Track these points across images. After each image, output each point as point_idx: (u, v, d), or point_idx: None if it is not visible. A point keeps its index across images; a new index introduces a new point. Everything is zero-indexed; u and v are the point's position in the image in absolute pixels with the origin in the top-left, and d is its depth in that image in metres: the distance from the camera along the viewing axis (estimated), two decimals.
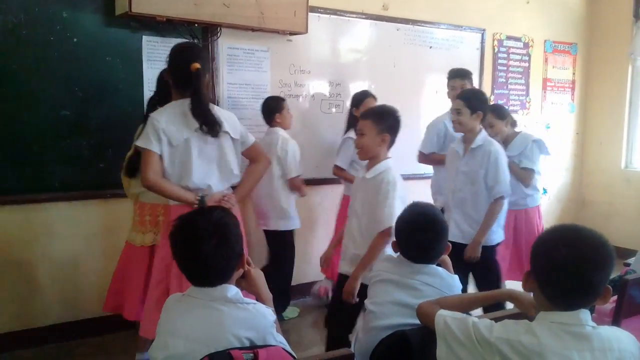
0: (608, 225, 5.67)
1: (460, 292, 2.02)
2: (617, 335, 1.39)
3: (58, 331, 3.37)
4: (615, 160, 5.68)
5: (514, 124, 3.96)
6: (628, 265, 3.35)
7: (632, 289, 2.19)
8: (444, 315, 1.54)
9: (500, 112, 3.77)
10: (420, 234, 1.98)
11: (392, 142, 2.59)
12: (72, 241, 3.40)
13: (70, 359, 3.24)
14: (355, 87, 4.32)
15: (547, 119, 5.62)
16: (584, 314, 1.37)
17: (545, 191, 5.66)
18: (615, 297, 2.20)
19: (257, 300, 1.66)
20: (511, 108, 5.33)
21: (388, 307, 1.96)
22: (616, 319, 2.15)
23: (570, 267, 1.35)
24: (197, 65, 2.44)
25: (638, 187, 5.44)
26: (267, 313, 1.57)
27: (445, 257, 2.16)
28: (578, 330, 1.35)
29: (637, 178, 5.47)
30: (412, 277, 1.97)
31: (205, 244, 1.49)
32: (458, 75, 3.85)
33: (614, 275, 2.09)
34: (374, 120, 2.54)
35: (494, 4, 5.07)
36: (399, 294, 1.95)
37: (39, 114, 3.20)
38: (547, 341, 1.33)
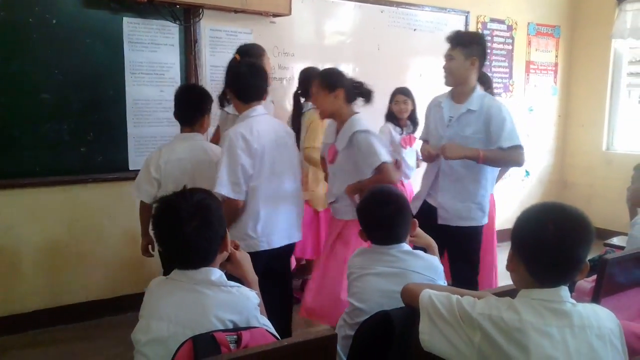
0: (589, 207, 5.73)
1: (442, 274, 2.02)
2: (597, 312, 1.41)
3: (41, 317, 3.35)
4: (597, 143, 5.74)
5: None
6: (608, 245, 3.41)
7: (611, 267, 2.24)
8: (429, 292, 1.55)
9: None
10: (379, 209, 1.97)
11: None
12: (53, 226, 3.37)
13: (53, 344, 3.22)
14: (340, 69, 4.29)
15: (530, 101, 5.66)
16: (564, 291, 1.40)
17: (527, 173, 5.72)
18: (594, 277, 2.25)
19: (242, 282, 1.66)
20: (495, 91, 5.34)
21: (377, 301, 1.88)
22: (595, 298, 2.18)
23: (558, 244, 1.37)
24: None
25: (619, 169, 5.50)
26: (251, 296, 1.57)
27: (429, 240, 2.16)
28: (558, 306, 1.37)
29: (618, 160, 5.54)
30: (389, 264, 1.94)
31: (186, 225, 1.48)
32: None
33: (593, 255, 2.11)
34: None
35: None
36: (387, 286, 1.90)
37: (18, 97, 3.14)
38: (527, 317, 1.35)
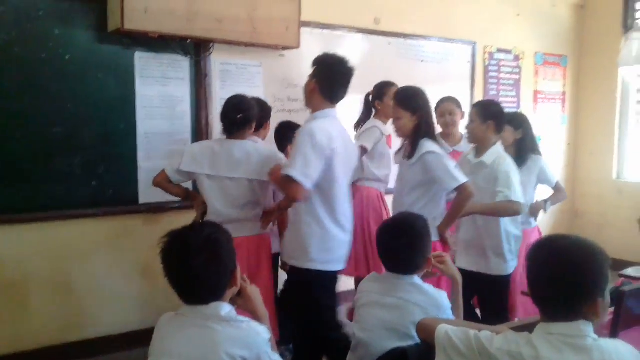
0: (601, 236, 5.67)
1: (449, 310, 1.99)
2: (617, 348, 1.38)
3: (50, 353, 3.31)
4: (607, 171, 5.71)
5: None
6: (623, 276, 3.35)
7: (629, 300, 2.19)
8: (445, 327, 1.54)
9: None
10: (390, 240, 1.98)
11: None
12: (63, 261, 3.35)
13: None
14: (347, 101, 4.31)
15: (538, 130, 5.64)
16: (585, 325, 1.37)
17: None
18: (612, 309, 2.20)
19: (253, 318, 1.64)
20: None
21: (377, 333, 1.93)
22: (614, 331, 2.14)
23: (551, 273, 1.37)
24: None
25: (630, 197, 5.46)
26: (262, 331, 1.55)
27: (454, 273, 2.13)
28: (578, 342, 1.35)
29: (629, 189, 5.50)
30: (393, 294, 1.95)
31: (195, 259, 1.47)
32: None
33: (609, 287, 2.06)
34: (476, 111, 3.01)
35: (485, 17, 5.11)
36: (386, 317, 1.93)
37: (31, 131, 3.17)
38: (545, 353, 1.33)
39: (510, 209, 2.83)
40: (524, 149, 3.42)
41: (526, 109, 5.52)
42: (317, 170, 2.40)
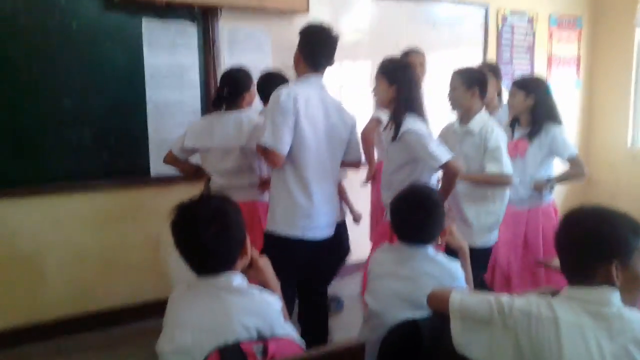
0: (614, 204, 5.60)
1: (462, 280, 1.99)
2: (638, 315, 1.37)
3: (65, 324, 3.38)
4: (622, 138, 5.61)
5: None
6: None
7: None
8: (460, 295, 1.56)
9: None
10: (409, 212, 1.97)
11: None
12: (77, 232, 3.38)
13: (78, 352, 3.22)
14: (357, 67, 4.28)
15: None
16: (609, 292, 1.37)
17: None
18: None
19: (264, 287, 1.66)
20: None
21: (389, 302, 1.94)
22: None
23: (585, 243, 1.42)
24: None
25: None
26: (273, 301, 1.56)
27: (461, 243, 2.14)
28: (598, 309, 1.36)
29: None
30: (407, 264, 1.96)
31: (205, 231, 1.47)
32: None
33: None
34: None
35: None
36: (399, 288, 1.94)
37: (40, 103, 3.16)
38: (563, 316, 1.36)
39: (502, 181, 2.81)
40: (537, 117, 3.20)
41: (540, 73, 5.41)
42: (287, 133, 2.41)
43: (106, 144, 3.36)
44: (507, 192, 2.90)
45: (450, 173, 2.53)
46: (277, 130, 2.39)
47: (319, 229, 2.58)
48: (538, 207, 3.31)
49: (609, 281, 1.39)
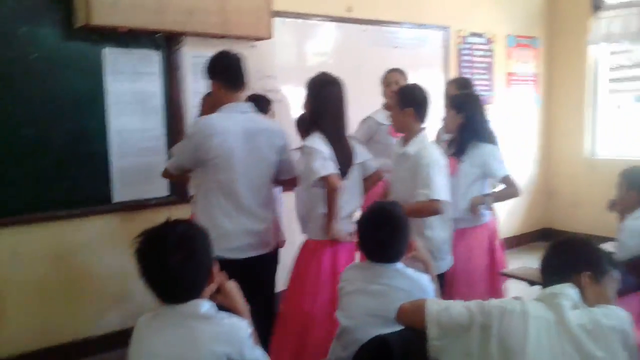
0: (575, 214, 5.80)
1: (432, 293, 2.01)
2: (612, 312, 1.53)
3: (27, 359, 3.25)
4: (579, 149, 5.81)
5: None
6: None
7: None
8: (436, 301, 1.64)
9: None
10: (374, 231, 1.98)
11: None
12: (38, 264, 3.28)
13: None
14: None
15: (512, 112, 5.71)
16: (568, 288, 1.56)
17: None
18: None
19: (233, 313, 1.64)
20: None
21: (361, 320, 1.95)
22: None
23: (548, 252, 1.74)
24: None
25: (603, 174, 5.53)
26: (243, 326, 1.55)
27: (420, 254, 2.17)
28: (557, 301, 1.52)
29: (601, 166, 5.59)
30: (377, 280, 1.97)
31: (171, 258, 1.44)
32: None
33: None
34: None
35: (456, 2, 5.12)
36: (370, 304, 1.95)
37: None
38: (532, 309, 1.50)
39: (430, 208, 2.64)
40: (463, 135, 3.08)
41: (500, 91, 5.58)
42: (183, 159, 2.65)
43: (67, 173, 3.30)
44: (446, 217, 2.81)
45: (328, 188, 2.58)
46: (178, 155, 2.68)
47: (240, 250, 2.63)
48: (467, 228, 3.12)
49: (581, 287, 1.58)
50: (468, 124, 3.07)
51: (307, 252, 2.74)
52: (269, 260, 2.83)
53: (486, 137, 3.13)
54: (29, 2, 3.12)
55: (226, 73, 2.67)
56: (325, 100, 2.67)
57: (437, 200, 2.62)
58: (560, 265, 1.64)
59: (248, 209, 2.65)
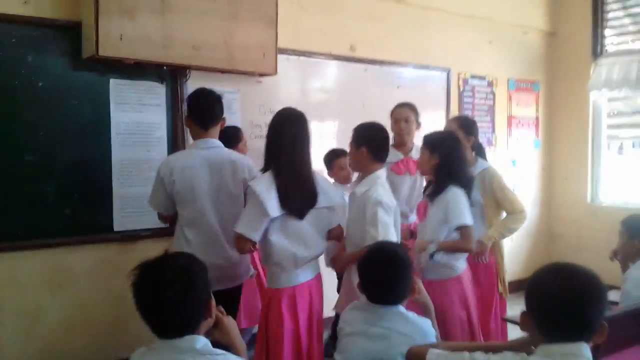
0: (578, 259, 5.61)
1: (434, 338, 1.97)
2: None
3: None
4: (582, 195, 5.80)
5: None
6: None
7: (609, 325, 2.19)
8: (437, 351, 1.58)
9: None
10: (376, 271, 1.95)
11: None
12: (35, 291, 3.25)
13: None
14: (325, 127, 4.36)
15: (513, 155, 5.74)
16: (585, 348, 1.41)
17: None
18: None
19: (230, 350, 1.60)
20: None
21: None
22: (595, 357, 2.13)
23: (565, 302, 1.40)
24: None
25: (604, 221, 5.53)
26: None
27: (426, 300, 2.13)
28: None
29: (603, 212, 5.58)
30: (378, 323, 1.93)
31: (168, 291, 1.42)
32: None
33: None
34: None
35: (458, 45, 5.21)
36: (370, 347, 1.90)
37: (2, 159, 3.10)
38: None
39: None
40: (438, 177, 2.84)
41: (501, 133, 5.61)
42: (156, 196, 2.78)
43: (69, 200, 3.30)
44: None
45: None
46: (153, 193, 2.80)
47: None
48: (433, 281, 2.76)
49: (598, 339, 1.44)
50: (442, 166, 2.81)
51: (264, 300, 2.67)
52: (235, 294, 2.86)
53: (462, 180, 2.84)
54: (38, 32, 3.17)
55: (196, 112, 2.81)
56: (282, 137, 2.52)
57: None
58: (590, 313, 1.42)
59: (217, 242, 2.71)
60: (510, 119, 5.71)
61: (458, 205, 2.74)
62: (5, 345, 3.18)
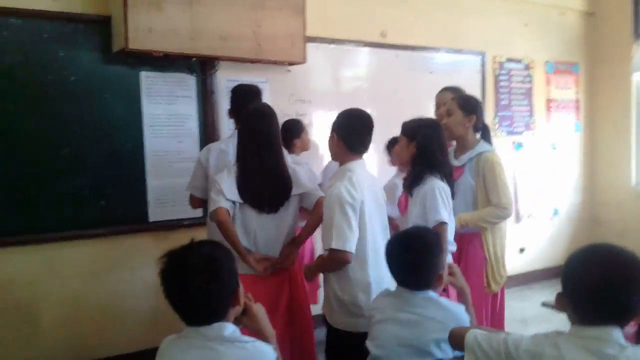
0: (622, 243, 5.51)
1: (468, 324, 1.90)
2: None
3: None
4: (626, 178, 5.57)
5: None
6: None
7: None
8: (475, 332, 1.57)
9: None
10: (399, 254, 1.91)
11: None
12: (73, 281, 3.34)
13: None
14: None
15: (552, 139, 5.56)
16: (615, 332, 1.34)
17: (556, 211, 5.55)
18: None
19: (259, 337, 1.58)
20: (516, 129, 5.28)
21: (393, 350, 1.86)
22: (639, 342, 2.04)
23: (603, 290, 1.33)
24: None
25: None
26: (268, 351, 1.49)
27: (462, 284, 2.06)
28: (604, 348, 1.32)
29: None
30: (407, 308, 1.88)
31: (195, 280, 1.41)
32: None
33: None
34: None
35: (493, 27, 5.06)
36: (402, 333, 1.86)
37: (38, 153, 3.18)
38: (568, 354, 1.33)
39: (333, 261, 2.30)
40: (415, 168, 2.57)
41: (539, 117, 5.44)
42: (195, 181, 2.98)
43: (104, 192, 3.36)
44: (348, 271, 2.34)
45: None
46: (192, 177, 3.02)
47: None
48: None
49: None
50: (420, 155, 2.53)
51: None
52: None
53: (443, 171, 2.55)
54: (69, 28, 3.23)
55: (234, 105, 3.02)
56: (248, 133, 2.53)
57: (339, 250, 2.24)
58: (620, 311, 1.34)
59: None
60: (548, 102, 5.52)
61: (435, 198, 2.44)
62: (45, 332, 3.27)
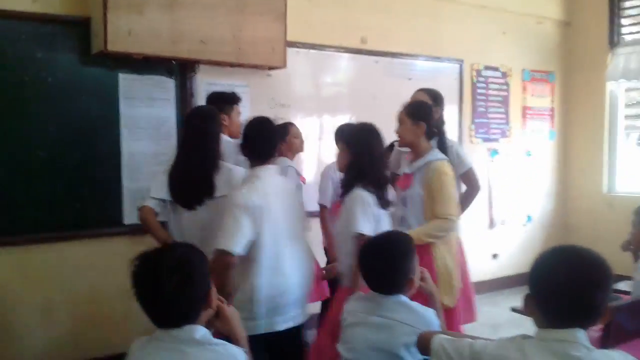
0: (594, 249, 5.64)
1: (438, 328, 1.94)
2: (611, 357, 1.36)
3: None
4: (597, 185, 5.69)
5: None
6: (615, 291, 3.31)
7: (619, 315, 2.16)
8: (441, 337, 1.58)
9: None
10: (371, 259, 1.93)
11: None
12: (47, 283, 3.30)
13: None
14: (336, 120, 4.33)
15: (528, 146, 5.66)
16: (580, 333, 1.34)
17: (529, 218, 5.65)
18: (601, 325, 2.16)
19: (231, 339, 1.60)
20: (492, 136, 5.36)
21: (364, 353, 1.88)
22: (604, 347, 2.09)
23: (568, 289, 1.34)
24: None
25: (621, 211, 5.40)
26: (238, 353, 1.50)
27: (432, 289, 2.10)
28: (570, 351, 1.32)
29: (619, 202, 5.46)
30: (378, 312, 1.90)
31: (167, 282, 1.41)
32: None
33: None
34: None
35: (471, 36, 5.14)
36: (373, 337, 1.88)
37: (13, 154, 3.15)
38: (534, 358, 1.33)
39: (217, 261, 2.23)
40: (348, 176, 2.53)
41: (515, 125, 5.54)
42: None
43: (79, 195, 3.34)
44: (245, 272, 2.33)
45: None
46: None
47: None
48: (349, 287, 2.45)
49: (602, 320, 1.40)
50: (354, 163, 2.50)
51: None
52: None
53: (374, 181, 2.49)
54: (47, 29, 3.21)
55: None
56: (183, 132, 2.75)
57: (220, 251, 2.24)
58: (602, 298, 1.35)
59: None
60: (524, 109, 5.62)
61: (355, 209, 2.41)
62: (16, 336, 3.23)
